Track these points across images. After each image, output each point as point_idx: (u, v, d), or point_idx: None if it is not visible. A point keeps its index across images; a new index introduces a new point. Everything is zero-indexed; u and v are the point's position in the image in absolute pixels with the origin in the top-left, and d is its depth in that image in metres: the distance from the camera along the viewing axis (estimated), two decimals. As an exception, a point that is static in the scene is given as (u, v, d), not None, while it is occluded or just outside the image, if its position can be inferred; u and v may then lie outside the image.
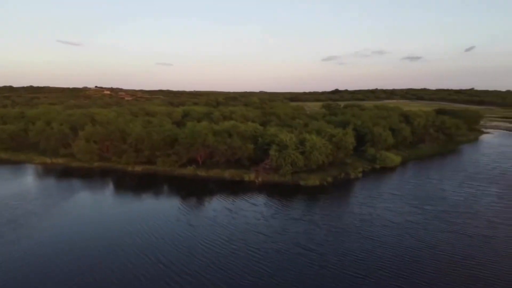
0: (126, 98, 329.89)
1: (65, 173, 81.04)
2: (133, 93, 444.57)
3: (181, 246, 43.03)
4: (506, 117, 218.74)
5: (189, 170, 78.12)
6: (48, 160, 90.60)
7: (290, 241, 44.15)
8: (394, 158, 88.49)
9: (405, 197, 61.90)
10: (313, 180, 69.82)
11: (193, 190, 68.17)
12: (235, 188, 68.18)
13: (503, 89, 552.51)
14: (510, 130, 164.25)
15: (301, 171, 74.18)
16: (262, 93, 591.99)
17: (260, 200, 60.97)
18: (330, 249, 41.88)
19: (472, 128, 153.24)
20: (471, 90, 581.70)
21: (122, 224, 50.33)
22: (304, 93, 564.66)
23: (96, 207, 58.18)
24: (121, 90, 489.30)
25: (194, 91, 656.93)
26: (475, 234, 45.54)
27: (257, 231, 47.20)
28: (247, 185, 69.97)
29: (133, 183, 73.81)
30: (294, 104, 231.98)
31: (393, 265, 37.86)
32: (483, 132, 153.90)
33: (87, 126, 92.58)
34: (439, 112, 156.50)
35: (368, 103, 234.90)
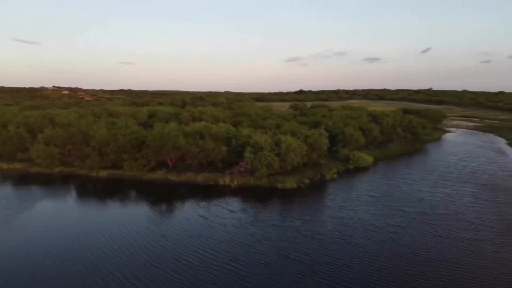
0: (86, 98, 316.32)
1: (23, 180, 74.58)
2: (93, 93, 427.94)
3: (153, 262, 39.40)
4: (466, 116, 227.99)
5: (159, 175, 74.13)
6: (4, 166, 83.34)
7: (275, 251, 41.64)
8: (367, 158, 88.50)
9: (383, 198, 61.31)
10: (290, 183, 67.97)
11: (164, 196, 64.52)
12: (210, 193, 65.13)
13: (459, 89, 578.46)
14: (470, 129, 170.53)
15: (277, 173, 72.17)
16: (227, 93, 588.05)
17: (237, 205, 58.27)
18: (317, 258, 39.78)
19: (435, 127, 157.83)
20: (429, 90, 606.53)
21: (86, 236, 45.92)
22: (270, 94, 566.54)
23: (57, 218, 53.14)
24: (80, 90, 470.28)
25: (158, 90, 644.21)
26: (459, 237, 44.98)
27: (237, 241, 44.36)
28: (222, 189, 67.03)
29: (98, 190, 69.04)
30: (261, 104, 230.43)
31: (382, 274, 36.39)
32: (446, 131, 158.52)
33: (47, 128, 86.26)
34: (405, 111, 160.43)
35: (334, 103, 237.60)
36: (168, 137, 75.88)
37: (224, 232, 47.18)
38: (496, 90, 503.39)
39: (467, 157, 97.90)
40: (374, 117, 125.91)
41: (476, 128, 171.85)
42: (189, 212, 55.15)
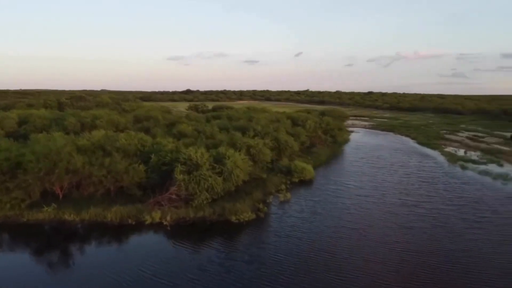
0: None
1: None
2: None
3: None
4: (355, 116, 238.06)
5: (47, 213, 49.28)
6: None
7: None
8: (309, 168, 76.16)
9: (368, 232, 47.92)
10: (246, 212, 50.55)
11: (58, 249, 41.74)
12: (132, 241, 44.23)
13: (333, 90, 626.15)
14: (368, 128, 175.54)
15: (219, 197, 54.44)
16: (105, 92, 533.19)
17: (180, 264, 38.88)
18: None
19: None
20: (307, 91, 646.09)
21: None
22: (155, 93, 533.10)
23: None
24: None
25: (20, 89, 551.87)
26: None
27: None
28: (150, 230, 46.36)
29: None
30: (156, 105, 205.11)
31: None
32: (350, 132, 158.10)
33: None
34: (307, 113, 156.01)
35: (236, 104, 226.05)
36: (58, 155, 51.67)
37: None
38: (362, 90, 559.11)
39: (398, 161, 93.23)
40: (293, 120, 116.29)
41: (373, 127, 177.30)
42: None
